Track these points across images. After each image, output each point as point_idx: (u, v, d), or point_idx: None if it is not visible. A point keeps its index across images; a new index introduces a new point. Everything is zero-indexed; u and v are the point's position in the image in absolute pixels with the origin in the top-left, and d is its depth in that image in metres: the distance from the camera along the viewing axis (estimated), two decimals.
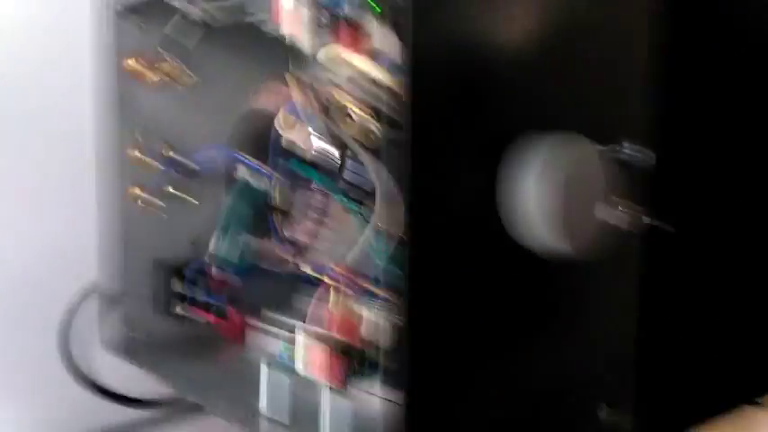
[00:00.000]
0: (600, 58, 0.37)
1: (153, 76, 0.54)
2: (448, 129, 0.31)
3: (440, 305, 0.32)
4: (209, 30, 0.55)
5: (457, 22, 0.31)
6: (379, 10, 0.34)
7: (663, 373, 0.41)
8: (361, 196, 0.45)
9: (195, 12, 0.53)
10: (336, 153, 0.43)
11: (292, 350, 0.39)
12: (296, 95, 0.38)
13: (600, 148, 0.34)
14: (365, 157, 0.38)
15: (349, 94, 0.37)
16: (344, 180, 0.43)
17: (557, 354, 0.36)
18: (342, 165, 0.43)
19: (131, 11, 0.54)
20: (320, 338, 0.39)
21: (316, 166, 0.46)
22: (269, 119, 0.46)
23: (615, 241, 0.35)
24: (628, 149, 0.35)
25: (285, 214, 0.48)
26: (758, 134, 0.46)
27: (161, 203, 0.56)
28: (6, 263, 0.64)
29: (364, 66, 0.33)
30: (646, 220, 0.36)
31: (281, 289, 0.61)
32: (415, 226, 0.30)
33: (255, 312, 0.57)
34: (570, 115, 0.35)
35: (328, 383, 0.37)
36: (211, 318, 0.56)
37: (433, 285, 0.31)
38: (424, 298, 0.31)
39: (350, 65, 0.33)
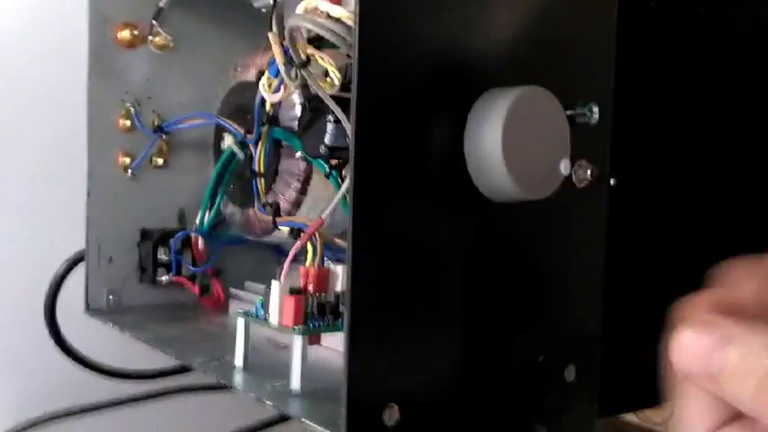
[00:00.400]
0: (562, 20, 0.38)
1: (149, 47, 0.56)
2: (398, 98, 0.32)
3: (395, 254, 0.32)
4: (199, 1, 0.57)
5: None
6: None
7: (631, 340, 0.42)
8: (341, 163, 0.46)
9: None
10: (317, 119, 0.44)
11: (266, 303, 0.40)
12: (277, 53, 0.39)
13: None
14: (342, 116, 0.39)
15: (327, 54, 0.38)
16: (325, 145, 0.44)
17: (523, 313, 0.37)
18: (323, 130, 0.44)
19: None
20: (294, 291, 0.39)
21: (297, 133, 0.47)
22: (256, 91, 0.47)
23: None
24: (585, 108, 0.36)
25: (268, 181, 0.49)
26: (716, 94, 0.47)
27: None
28: None
29: (342, 13, 0.34)
30: (612, 182, 0.37)
31: (265, 261, 0.62)
32: (362, 177, 0.31)
33: (238, 285, 0.58)
34: (533, 75, 0.36)
35: (300, 333, 0.38)
36: (196, 289, 0.57)
37: (384, 235, 0.32)
38: (373, 247, 0.31)
39: (328, 15, 0.34)
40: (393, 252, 0.32)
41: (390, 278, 0.32)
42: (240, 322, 0.41)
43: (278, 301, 0.39)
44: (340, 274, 0.40)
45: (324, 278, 0.40)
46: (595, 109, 0.38)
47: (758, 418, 0.20)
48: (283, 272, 0.39)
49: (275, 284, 0.39)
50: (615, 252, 0.40)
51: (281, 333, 0.40)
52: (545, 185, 0.34)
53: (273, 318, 0.39)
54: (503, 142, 0.32)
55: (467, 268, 0.35)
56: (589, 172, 0.39)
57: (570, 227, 0.39)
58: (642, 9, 0.44)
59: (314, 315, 0.39)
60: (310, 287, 0.40)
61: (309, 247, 0.41)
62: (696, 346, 0.21)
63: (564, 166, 0.34)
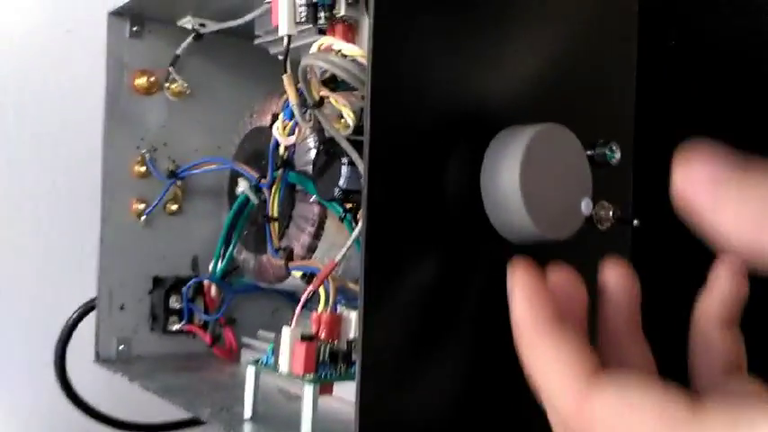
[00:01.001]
0: (581, 60, 0.37)
1: (165, 93, 0.56)
2: (406, 133, 0.31)
3: (409, 297, 0.31)
4: (215, 48, 0.57)
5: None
6: None
7: None
8: (355, 207, 0.45)
9: (205, 32, 0.54)
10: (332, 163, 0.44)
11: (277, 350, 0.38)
12: (291, 95, 0.39)
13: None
14: (356, 156, 0.38)
15: (342, 96, 0.38)
16: (340, 188, 0.43)
17: None
18: (338, 174, 0.43)
19: (142, 31, 0.56)
20: (305, 338, 0.38)
21: (312, 177, 0.46)
22: (271, 137, 0.47)
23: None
24: (606, 147, 0.35)
25: (282, 226, 0.48)
26: (739, 132, 0.46)
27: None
28: (7, 277, 0.65)
29: (355, 52, 0.33)
30: (636, 223, 0.36)
31: (279, 310, 0.61)
32: (371, 219, 0.30)
33: (251, 334, 0.57)
34: (552, 114, 0.35)
35: (311, 381, 0.36)
36: (207, 338, 0.55)
37: (397, 279, 0.30)
38: (386, 292, 0.30)
39: (342, 54, 0.34)
40: (406, 295, 0.31)
41: (403, 322, 0.31)
42: (250, 371, 0.40)
43: (288, 348, 0.37)
44: (353, 321, 0.39)
45: (336, 324, 0.39)
46: (616, 148, 0.37)
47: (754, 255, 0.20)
48: (294, 317, 0.38)
49: (286, 330, 0.37)
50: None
51: (292, 382, 0.38)
52: (566, 226, 0.33)
53: (284, 365, 0.37)
54: (521, 181, 0.31)
55: (482, 310, 0.33)
56: (611, 213, 0.37)
57: (591, 270, 0.38)
58: (662, 47, 0.44)
59: (326, 363, 0.38)
60: (322, 334, 0.38)
61: (322, 291, 0.40)
62: (711, 151, 0.21)
63: (585, 206, 0.33)
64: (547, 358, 0.26)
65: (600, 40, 0.38)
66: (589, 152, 0.36)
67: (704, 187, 0.21)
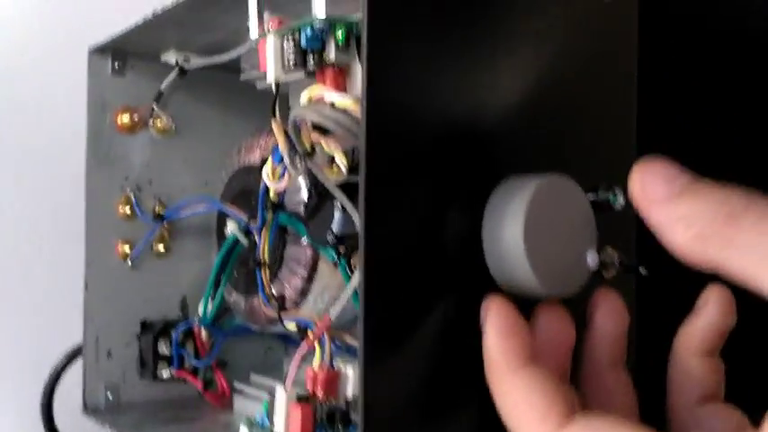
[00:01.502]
0: (580, 104, 0.36)
1: (149, 130, 0.54)
2: (403, 178, 0.30)
3: (409, 356, 0.29)
4: (200, 83, 0.55)
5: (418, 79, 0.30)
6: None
7: None
8: (349, 250, 0.43)
9: (189, 67, 0.53)
10: (324, 204, 0.42)
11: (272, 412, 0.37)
12: (281, 143, 0.37)
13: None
14: (350, 206, 0.37)
15: (333, 141, 0.36)
16: (333, 233, 0.42)
17: None
18: (330, 217, 0.42)
19: (124, 67, 0.54)
20: (301, 399, 0.36)
21: (304, 219, 0.44)
22: (260, 175, 0.45)
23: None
24: (608, 193, 0.34)
25: (273, 270, 0.46)
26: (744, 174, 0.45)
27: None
28: None
29: (347, 103, 0.32)
30: (643, 271, 0.34)
31: (272, 349, 0.59)
32: (369, 273, 0.28)
33: (243, 376, 0.55)
34: (553, 159, 0.33)
35: None
36: (199, 384, 0.53)
37: (397, 337, 0.29)
38: (385, 351, 0.28)
39: (333, 104, 0.32)
40: (407, 352, 0.30)
41: (404, 379, 0.29)
42: None
43: (284, 411, 0.35)
44: (350, 377, 0.37)
45: (333, 382, 0.37)
46: (619, 192, 0.35)
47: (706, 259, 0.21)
48: (289, 378, 0.36)
49: (280, 392, 0.36)
50: (645, 348, 0.37)
51: None
52: (572, 282, 0.31)
53: (279, 428, 0.36)
54: (525, 240, 0.29)
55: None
56: (617, 260, 0.36)
57: None
58: (661, 85, 0.42)
59: (323, 424, 0.36)
60: (319, 393, 0.37)
61: (317, 346, 0.38)
62: (662, 169, 0.23)
63: (591, 259, 0.31)
64: (516, 398, 0.26)
65: (599, 75, 0.37)
66: (591, 196, 0.34)
67: (656, 204, 0.23)
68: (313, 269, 0.46)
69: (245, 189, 0.50)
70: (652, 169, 0.24)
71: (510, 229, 0.30)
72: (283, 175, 0.42)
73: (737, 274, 0.21)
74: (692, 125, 0.43)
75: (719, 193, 0.22)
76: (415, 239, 0.30)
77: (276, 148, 0.39)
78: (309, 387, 0.37)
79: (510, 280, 0.31)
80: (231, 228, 0.50)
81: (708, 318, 0.29)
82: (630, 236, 0.37)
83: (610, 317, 0.30)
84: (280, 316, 0.43)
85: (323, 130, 0.38)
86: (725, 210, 0.21)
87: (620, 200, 0.35)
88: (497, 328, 0.27)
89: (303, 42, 0.35)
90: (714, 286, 0.29)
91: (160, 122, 0.54)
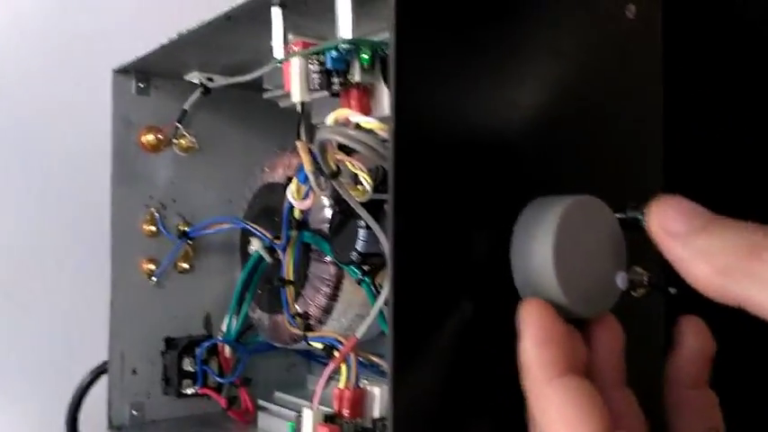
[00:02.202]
0: (607, 122, 0.35)
1: (173, 149, 0.55)
2: (436, 197, 0.30)
3: (437, 374, 0.29)
4: (223, 101, 0.56)
5: (449, 93, 0.30)
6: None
7: None
8: (373, 268, 0.43)
9: (213, 86, 0.53)
10: (347, 222, 0.42)
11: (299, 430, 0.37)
12: (306, 163, 0.38)
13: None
14: (374, 225, 0.37)
15: (358, 160, 0.37)
16: (357, 251, 0.42)
17: None
18: (354, 235, 0.42)
19: (148, 87, 0.55)
20: (328, 420, 0.36)
21: (328, 237, 0.44)
22: (284, 193, 0.45)
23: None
24: (636, 212, 0.33)
25: (297, 288, 0.47)
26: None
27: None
28: (15, 339, 0.63)
29: (372, 124, 0.32)
30: (672, 290, 0.34)
31: (295, 366, 0.59)
32: (399, 296, 0.28)
33: (267, 393, 0.55)
34: (581, 178, 0.33)
35: None
36: (223, 401, 0.53)
37: (425, 357, 0.29)
38: (414, 371, 0.28)
39: (358, 126, 0.32)
40: (435, 371, 0.29)
41: (432, 399, 0.29)
42: None
43: (311, 431, 0.35)
44: (377, 396, 0.37)
45: (360, 401, 0.37)
46: (647, 211, 0.35)
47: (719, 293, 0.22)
48: (316, 398, 0.36)
49: (307, 412, 0.36)
50: None
51: None
52: (601, 302, 0.31)
53: None
54: (554, 260, 0.29)
55: (515, 386, 0.32)
56: (645, 279, 0.35)
57: (626, 338, 0.36)
58: (688, 101, 0.42)
59: None
60: (345, 412, 0.36)
61: (343, 366, 0.38)
62: (681, 205, 0.24)
63: (621, 280, 0.31)
64: (550, 410, 0.25)
65: (625, 92, 0.37)
66: (619, 215, 0.34)
67: (676, 239, 0.23)
68: (337, 287, 0.46)
69: (268, 207, 0.51)
70: (671, 205, 0.24)
71: (540, 248, 0.30)
72: (308, 194, 0.42)
73: (760, 308, 0.21)
74: (721, 142, 0.43)
75: (740, 228, 0.22)
76: (443, 258, 0.30)
77: (301, 167, 0.40)
78: (336, 406, 0.37)
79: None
80: (255, 245, 0.50)
81: (688, 348, 0.29)
82: (660, 254, 0.36)
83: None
84: (305, 334, 0.43)
85: (347, 150, 0.38)
86: (746, 244, 0.21)
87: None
88: (534, 336, 0.27)
89: (328, 63, 0.36)
90: (686, 317, 0.29)
91: (184, 141, 0.55)
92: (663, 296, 0.37)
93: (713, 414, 0.29)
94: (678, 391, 0.29)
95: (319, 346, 0.42)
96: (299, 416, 0.36)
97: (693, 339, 0.29)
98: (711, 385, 0.30)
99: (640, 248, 0.35)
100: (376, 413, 0.37)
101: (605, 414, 0.25)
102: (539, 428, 0.25)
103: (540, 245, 0.30)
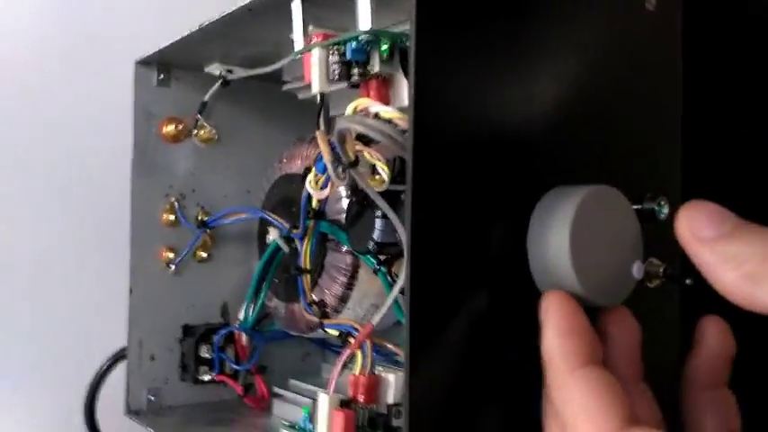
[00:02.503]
0: (625, 114, 0.36)
1: (193, 140, 0.55)
2: (454, 186, 0.30)
3: (452, 361, 0.30)
4: (242, 93, 0.56)
5: (468, 86, 0.30)
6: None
7: None
8: (390, 258, 0.43)
9: (232, 78, 0.54)
10: (364, 212, 0.42)
11: (315, 417, 0.37)
12: (325, 153, 0.38)
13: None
14: (392, 214, 0.37)
15: (376, 151, 0.37)
16: (374, 241, 0.42)
17: None
18: (371, 225, 0.42)
19: (169, 79, 0.55)
20: (344, 405, 0.37)
21: (344, 227, 0.45)
22: (301, 184, 0.46)
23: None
24: (654, 202, 0.34)
25: (314, 277, 0.47)
26: None
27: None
28: (36, 326, 0.64)
29: (392, 114, 0.32)
30: (688, 281, 0.34)
31: (310, 355, 0.60)
32: (416, 284, 0.28)
33: (282, 381, 0.55)
34: (599, 170, 0.33)
35: None
36: (239, 388, 0.54)
37: (440, 342, 0.29)
38: (430, 357, 0.29)
39: (377, 116, 0.33)
40: (450, 359, 0.30)
41: (448, 387, 0.30)
42: None
43: (326, 416, 0.36)
44: (392, 383, 0.38)
45: (374, 387, 0.37)
46: (664, 203, 0.35)
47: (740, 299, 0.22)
48: (332, 383, 0.37)
49: (323, 397, 0.36)
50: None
51: None
52: (617, 292, 0.31)
53: None
54: (571, 249, 0.29)
55: (529, 374, 0.32)
56: (661, 270, 0.36)
57: (642, 328, 0.36)
58: (707, 94, 0.42)
59: (364, 429, 0.36)
60: (360, 398, 0.37)
61: (358, 352, 0.39)
62: (710, 210, 0.24)
63: (637, 270, 0.31)
64: (573, 400, 0.25)
65: (643, 83, 0.37)
66: (636, 206, 0.34)
67: (705, 244, 0.23)
68: (353, 276, 0.47)
69: (286, 197, 0.51)
70: (700, 210, 0.24)
71: (556, 238, 0.30)
72: (326, 184, 0.42)
73: None
74: (739, 135, 0.43)
75: None
76: (460, 248, 0.30)
77: (320, 157, 0.40)
78: (351, 392, 0.37)
79: (555, 289, 0.31)
80: (273, 235, 0.51)
81: (709, 348, 0.29)
82: (675, 246, 0.36)
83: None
84: (322, 322, 0.43)
85: (366, 141, 0.38)
86: None
87: (665, 210, 0.35)
88: (556, 327, 0.27)
89: (348, 55, 0.36)
90: (708, 317, 0.29)
91: (204, 132, 0.55)
92: (679, 287, 0.37)
93: (731, 415, 0.29)
94: (696, 390, 0.29)
95: (335, 333, 0.43)
96: (315, 401, 0.37)
97: (714, 339, 0.29)
98: (730, 386, 0.31)
99: (657, 239, 0.35)
100: (390, 399, 0.38)
101: (626, 405, 0.25)
102: (560, 419, 0.26)
103: (556, 233, 0.30)
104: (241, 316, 0.54)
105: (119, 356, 0.56)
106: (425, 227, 0.29)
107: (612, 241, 0.31)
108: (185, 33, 0.48)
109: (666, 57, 0.38)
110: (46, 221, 0.66)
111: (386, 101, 0.36)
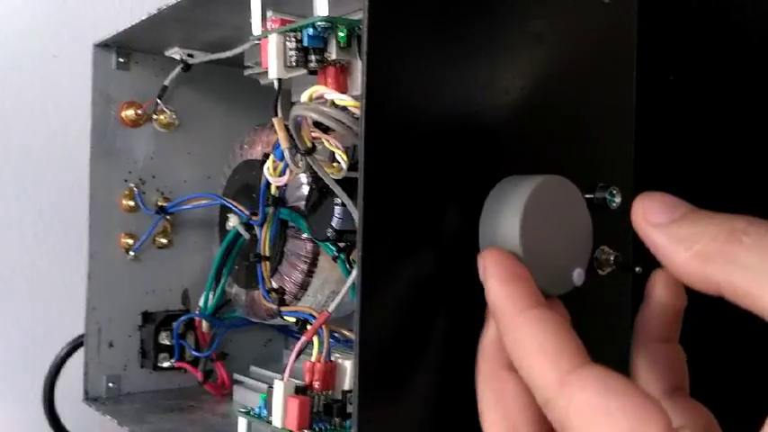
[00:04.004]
0: (579, 104, 0.36)
1: (153, 125, 0.55)
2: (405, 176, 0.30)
3: (402, 345, 0.30)
4: (203, 77, 0.56)
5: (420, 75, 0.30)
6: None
7: None
8: (348, 245, 0.44)
9: (193, 62, 0.53)
10: (324, 200, 0.42)
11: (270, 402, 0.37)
12: (282, 139, 0.38)
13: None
14: (349, 202, 0.37)
15: (335, 138, 0.37)
16: (333, 228, 0.42)
17: None
18: (330, 212, 0.42)
19: (129, 62, 0.55)
20: (299, 391, 0.37)
21: (304, 214, 0.45)
22: (261, 170, 0.45)
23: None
24: (606, 191, 0.34)
25: (273, 264, 0.47)
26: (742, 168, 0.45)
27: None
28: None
29: (347, 101, 0.32)
30: (638, 269, 0.35)
31: (272, 341, 0.60)
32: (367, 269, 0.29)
33: (244, 368, 0.55)
34: (552, 159, 0.34)
35: None
36: (199, 374, 0.54)
37: (391, 327, 0.29)
38: (381, 342, 0.29)
39: (333, 102, 0.33)
40: (400, 343, 0.30)
41: (396, 369, 0.30)
42: (242, 423, 0.38)
43: (282, 402, 0.36)
44: (348, 369, 0.38)
45: (330, 374, 0.38)
46: (616, 192, 0.36)
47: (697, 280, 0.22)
48: (287, 369, 0.37)
49: (278, 383, 0.36)
50: None
51: None
52: (567, 281, 0.32)
53: (277, 419, 0.36)
54: (521, 237, 0.30)
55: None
56: (612, 258, 0.36)
57: (593, 316, 0.37)
58: (660, 82, 0.43)
59: (320, 415, 0.37)
60: (316, 384, 0.37)
61: (315, 339, 0.39)
62: (664, 199, 0.24)
63: (577, 276, 0.32)
64: (525, 341, 0.25)
65: (598, 75, 0.38)
66: (588, 196, 0.35)
67: (658, 228, 0.23)
68: (313, 264, 0.47)
69: (246, 183, 0.51)
70: (654, 198, 0.24)
71: (507, 227, 0.30)
72: (284, 170, 0.42)
73: (739, 293, 0.21)
74: (691, 126, 0.44)
75: (720, 217, 0.22)
76: (413, 235, 0.30)
77: (277, 144, 0.40)
78: (307, 379, 0.37)
79: None
80: (233, 222, 0.50)
81: (660, 300, 0.29)
82: (628, 235, 0.37)
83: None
84: (279, 309, 0.43)
85: (324, 128, 0.38)
86: (726, 229, 0.21)
87: (617, 199, 0.36)
88: (499, 274, 0.27)
89: (305, 41, 0.36)
90: (658, 271, 0.29)
91: (164, 117, 0.55)
92: (629, 275, 0.37)
93: (681, 372, 0.29)
94: (646, 343, 0.29)
95: (293, 320, 0.43)
96: (271, 387, 0.37)
97: (664, 291, 0.29)
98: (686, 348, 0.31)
99: (608, 228, 0.36)
100: (346, 385, 0.38)
101: (581, 345, 0.24)
102: (516, 363, 0.25)
103: (507, 222, 0.30)
104: (201, 303, 0.53)
105: (77, 343, 0.56)
106: (377, 213, 0.29)
107: (563, 230, 0.32)
108: (145, 16, 0.48)
109: (621, 48, 0.38)
110: (4, 206, 0.65)
111: (343, 88, 0.36)
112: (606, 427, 0.21)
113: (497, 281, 0.27)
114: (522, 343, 0.25)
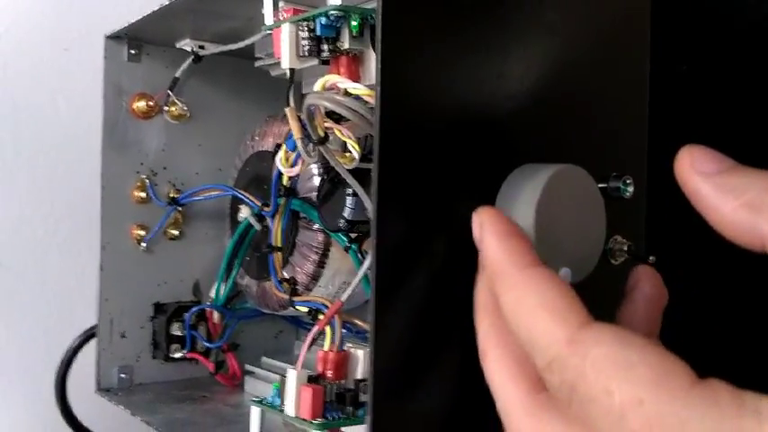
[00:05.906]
0: (592, 95, 0.36)
1: (164, 116, 0.55)
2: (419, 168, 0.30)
3: (417, 335, 0.30)
4: (214, 69, 0.56)
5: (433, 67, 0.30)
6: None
7: None
8: (360, 236, 0.44)
9: (204, 54, 0.53)
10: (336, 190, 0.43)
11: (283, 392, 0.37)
12: (294, 129, 0.38)
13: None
14: (361, 192, 0.37)
15: (347, 128, 0.37)
16: (345, 219, 0.42)
17: None
18: (342, 203, 0.42)
19: (140, 54, 0.55)
20: (312, 381, 0.37)
21: (316, 205, 0.45)
22: (273, 161, 0.46)
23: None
24: (619, 181, 0.34)
25: (285, 255, 0.47)
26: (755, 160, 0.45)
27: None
28: (4, 303, 0.64)
29: (360, 90, 0.32)
30: (651, 259, 0.35)
31: (283, 333, 0.60)
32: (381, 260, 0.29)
33: (254, 359, 0.56)
34: (566, 149, 0.34)
35: (319, 427, 0.35)
36: (210, 365, 0.54)
37: (406, 318, 0.29)
38: (395, 332, 0.29)
39: (347, 93, 0.33)
40: (414, 333, 0.30)
41: (411, 361, 0.30)
42: (255, 412, 0.39)
43: (295, 391, 0.36)
44: (360, 359, 0.38)
45: (343, 363, 0.38)
46: (630, 182, 0.36)
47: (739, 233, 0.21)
48: (300, 358, 0.37)
49: (291, 373, 0.36)
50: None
51: (298, 425, 0.37)
52: (580, 268, 0.32)
53: (290, 408, 0.36)
54: (536, 228, 0.30)
55: None
56: (625, 248, 0.36)
57: (605, 305, 0.37)
58: (673, 74, 0.43)
59: (333, 405, 0.37)
60: (329, 374, 0.37)
61: (328, 329, 0.39)
62: (711, 151, 0.23)
63: (563, 275, 0.31)
64: (529, 299, 0.23)
65: (611, 65, 0.37)
66: (602, 185, 0.35)
67: (705, 177, 0.22)
68: (325, 254, 0.47)
69: (258, 175, 0.51)
70: (702, 149, 0.23)
71: (521, 216, 0.30)
72: (296, 161, 0.42)
73: None
74: (705, 117, 0.44)
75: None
76: (427, 225, 0.30)
77: (290, 134, 0.40)
78: (320, 368, 0.37)
79: None
80: (245, 213, 0.50)
81: (643, 295, 0.29)
82: (641, 224, 0.37)
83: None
84: (291, 300, 0.44)
85: (336, 118, 0.38)
86: None
87: (630, 189, 0.36)
88: (497, 232, 0.25)
89: (318, 30, 0.36)
90: (640, 267, 0.29)
91: (175, 109, 0.55)
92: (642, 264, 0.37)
93: None
94: None
95: (305, 310, 0.43)
96: (284, 377, 0.37)
97: (647, 286, 0.29)
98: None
99: (622, 218, 0.35)
100: (359, 375, 0.38)
101: (584, 305, 0.23)
102: (517, 332, 0.24)
103: (521, 213, 0.30)
104: (213, 294, 0.54)
105: (89, 334, 0.56)
106: (391, 203, 0.29)
107: (577, 219, 0.32)
108: (156, 8, 0.48)
109: (634, 39, 0.38)
110: (17, 200, 0.65)
111: (356, 78, 0.36)
112: (628, 379, 0.20)
113: (496, 237, 0.25)
114: (524, 301, 0.23)
